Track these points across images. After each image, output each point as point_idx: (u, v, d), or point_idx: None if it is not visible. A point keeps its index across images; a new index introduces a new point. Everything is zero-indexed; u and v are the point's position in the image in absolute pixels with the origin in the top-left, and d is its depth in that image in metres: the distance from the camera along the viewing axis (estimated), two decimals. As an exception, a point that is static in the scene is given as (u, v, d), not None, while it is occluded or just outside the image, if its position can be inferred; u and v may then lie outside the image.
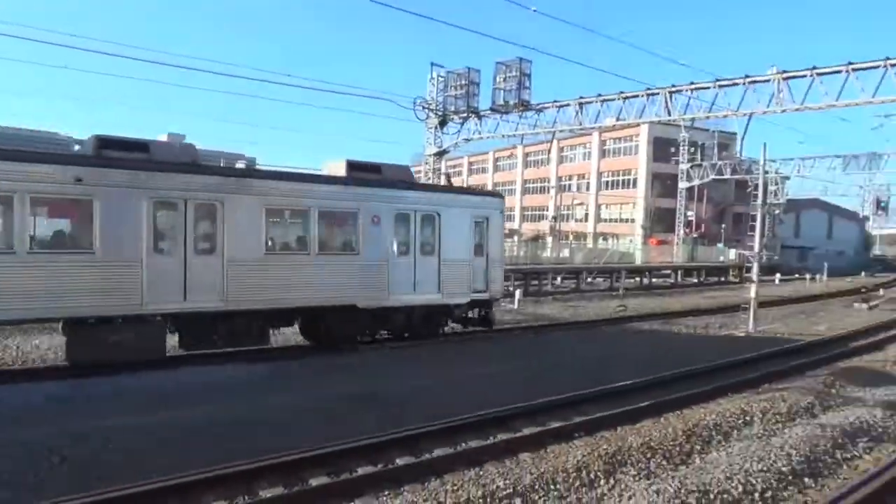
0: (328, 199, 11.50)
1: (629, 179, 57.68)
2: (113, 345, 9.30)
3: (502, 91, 25.72)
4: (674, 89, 23.60)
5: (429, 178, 29.07)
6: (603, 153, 60.88)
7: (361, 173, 12.33)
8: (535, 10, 11.57)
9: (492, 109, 26.64)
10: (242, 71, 63.14)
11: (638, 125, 42.63)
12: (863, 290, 35.67)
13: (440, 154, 29.27)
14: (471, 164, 75.82)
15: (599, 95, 25.65)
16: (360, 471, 6.55)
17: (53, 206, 9.03)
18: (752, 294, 17.92)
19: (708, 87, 22.82)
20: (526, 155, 68.04)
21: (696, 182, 45.71)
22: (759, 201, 18.52)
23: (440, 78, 27.05)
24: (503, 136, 28.00)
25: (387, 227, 12.21)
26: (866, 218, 69.29)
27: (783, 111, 21.13)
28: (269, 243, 10.85)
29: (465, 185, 20.07)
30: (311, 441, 6.94)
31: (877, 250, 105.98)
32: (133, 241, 9.42)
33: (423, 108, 27.08)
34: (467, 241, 13.36)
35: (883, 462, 7.24)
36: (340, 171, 12.27)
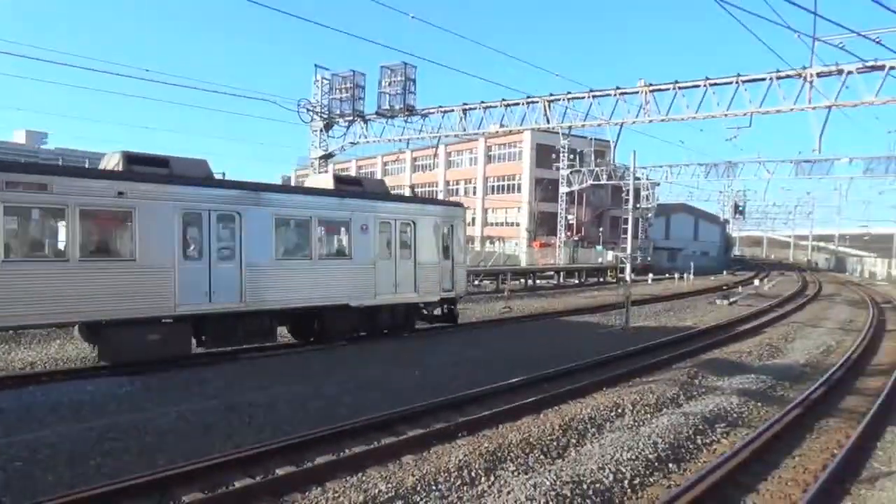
0: (326, 209, 13.47)
1: (514, 184, 60.16)
2: (148, 345, 10.71)
3: (388, 95, 26.16)
4: (552, 98, 25.07)
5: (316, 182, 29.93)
6: (489, 158, 62.99)
7: (347, 186, 14.45)
8: (413, 17, 11.71)
9: (377, 113, 27.02)
10: (99, 65, 57.18)
11: (521, 132, 44.75)
12: (724, 287, 40.28)
13: (326, 157, 28.95)
14: (359, 167, 75.37)
15: (482, 102, 26.63)
16: (238, 484, 6.59)
17: (100, 218, 10.41)
18: (627, 293, 19.50)
19: (583, 97, 24.47)
20: (414, 159, 68.76)
21: (575, 187, 48.81)
22: (631, 205, 20.39)
23: (325, 80, 27.10)
24: (389, 140, 28.49)
25: (373, 234, 14.26)
26: (726, 221, 78.48)
27: (650, 121, 23.20)
28: (279, 250, 12.55)
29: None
30: (186, 455, 7.08)
31: (736, 251, 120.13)
32: (167, 249, 10.93)
33: (308, 110, 27.03)
34: (437, 246, 15.59)
35: (737, 445, 8.08)
36: (328, 184, 14.39)
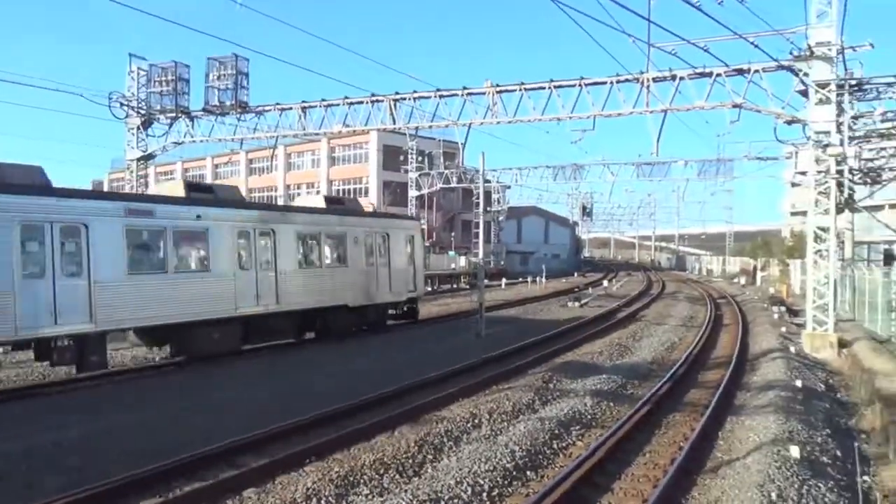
0: (330, 225, 18.61)
1: (361, 188, 60.05)
2: (214, 341, 15.04)
3: (217, 90, 25.35)
4: (397, 97, 25.43)
5: (133, 188, 27.64)
6: (332, 160, 62.28)
7: (336, 205, 20.11)
8: (240, 5, 11.48)
9: (205, 110, 26.18)
10: None
11: (366, 132, 44.66)
12: (575, 289, 44.05)
13: (146, 158, 26.83)
14: (185, 169, 70.64)
15: (324, 100, 26.33)
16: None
17: (185, 237, 14.76)
18: (480, 299, 20.41)
19: (429, 97, 25.09)
20: (249, 161, 66.15)
21: (425, 191, 49.99)
22: (482, 209, 21.32)
23: (141, 72, 25.98)
24: (220, 139, 27.59)
25: (361, 245, 19.39)
26: (576, 223, 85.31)
27: (498, 122, 24.39)
28: (300, 259, 17.38)
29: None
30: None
31: (586, 252, 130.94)
32: (229, 261, 15.40)
33: (122, 104, 25.76)
34: (405, 253, 21.18)
35: (591, 446, 8.73)
36: (319, 203, 19.71)
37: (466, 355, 16.08)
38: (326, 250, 18.65)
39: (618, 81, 21.98)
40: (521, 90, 23.72)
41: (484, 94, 24.38)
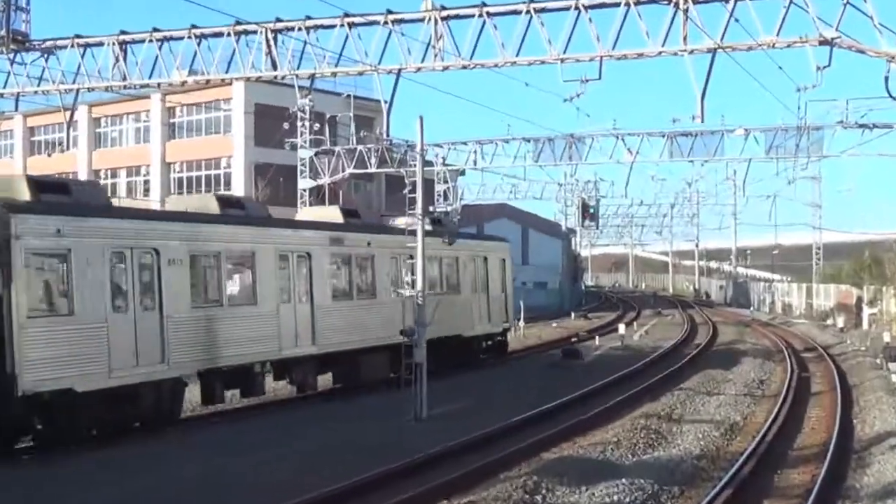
0: (444, 249, 29.17)
1: (218, 175, 59.53)
2: (373, 370, 27.07)
3: None
4: (279, 26, 25.63)
5: None
6: (171, 130, 61.50)
7: (438, 225, 30.16)
8: None
9: None
10: None
11: (228, 83, 43.59)
12: (573, 339, 44.96)
13: None
14: None
15: (155, 31, 26.75)
16: None
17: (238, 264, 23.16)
18: (419, 360, 20.41)
19: (333, 25, 25.42)
20: (30, 130, 66.57)
21: (325, 179, 49.64)
22: (419, 208, 20.90)
23: None
24: None
25: (469, 269, 32.37)
26: (571, 231, 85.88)
27: (445, 68, 24.37)
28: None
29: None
30: None
31: (589, 279, 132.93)
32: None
33: None
34: (499, 279, 33.88)
35: None
36: (427, 226, 24.86)
37: (395, 450, 16.23)
38: (446, 274, 31.20)
39: (637, 2, 21.94)
40: (481, 15, 23.64)
41: (422, 20, 24.52)
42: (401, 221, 27.36)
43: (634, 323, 56.73)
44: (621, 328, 45.76)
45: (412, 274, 22.22)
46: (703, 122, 23.81)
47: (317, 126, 50.55)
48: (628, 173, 57.34)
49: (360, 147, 50.70)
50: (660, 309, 74.35)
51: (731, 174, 75.99)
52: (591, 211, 70.03)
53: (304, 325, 23.72)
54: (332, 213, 28.65)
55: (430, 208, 40.40)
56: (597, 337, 45.44)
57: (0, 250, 16.38)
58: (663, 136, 47.04)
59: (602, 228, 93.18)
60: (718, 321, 59.66)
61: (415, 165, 24.81)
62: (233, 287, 22.73)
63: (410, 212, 21.99)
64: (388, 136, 47.75)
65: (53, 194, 18.26)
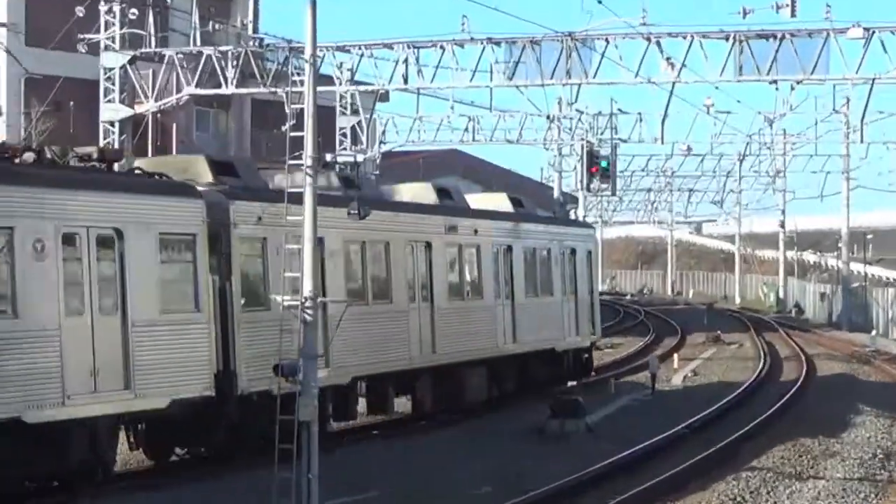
0: (538, 238, 42.92)
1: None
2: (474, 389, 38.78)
3: None
4: None
5: None
6: None
7: (521, 208, 43.91)
8: None
9: None
10: None
11: None
12: (570, 384, 45.02)
13: None
14: None
15: None
16: None
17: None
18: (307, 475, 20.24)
19: None
20: None
21: (150, 104, 49.27)
22: (307, 159, 20.84)
23: None
24: None
25: (560, 264, 43.59)
26: (570, 199, 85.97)
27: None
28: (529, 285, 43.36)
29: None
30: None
31: (600, 280, 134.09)
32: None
33: None
34: (586, 276, 45.37)
35: None
36: (504, 204, 43.28)
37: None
38: (540, 273, 40.76)
39: None
40: None
41: None
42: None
43: (675, 356, 57.28)
44: (653, 364, 45.75)
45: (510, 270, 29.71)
46: (794, 15, 23.85)
47: (133, 13, 49.82)
48: (667, 102, 56.65)
49: (208, 51, 50.13)
50: (718, 332, 74.56)
51: (842, 105, 76.61)
52: (604, 165, 70.46)
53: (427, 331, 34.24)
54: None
55: (329, 156, 39.85)
56: (611, 381, 45.42)
57: (219, 239, 24.43)
58: (726, 39, 47.05)
59: (622, 195, 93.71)
60: (817, 354, 60.43)
61: (301, 84, 24.64)
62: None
63: (294, 162, 21.79)
64: (256, 31, 47.06)
65: (227, 176, 26.55)
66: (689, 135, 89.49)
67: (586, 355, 46.34)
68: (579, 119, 74.67)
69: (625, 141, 76.60)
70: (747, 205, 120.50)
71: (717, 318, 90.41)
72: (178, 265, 25.82)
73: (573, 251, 43.96)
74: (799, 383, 46.56)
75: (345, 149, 54.97)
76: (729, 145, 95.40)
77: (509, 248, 39.36)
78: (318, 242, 23.48)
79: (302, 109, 21.54)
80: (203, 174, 25.72)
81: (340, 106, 56.17)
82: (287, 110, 32.47)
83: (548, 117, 74.20)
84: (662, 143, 76.89)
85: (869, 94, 52.84)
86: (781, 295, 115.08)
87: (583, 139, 71.07)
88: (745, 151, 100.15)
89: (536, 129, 75.44)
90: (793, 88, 57.32)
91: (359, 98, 57.10)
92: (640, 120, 75.39)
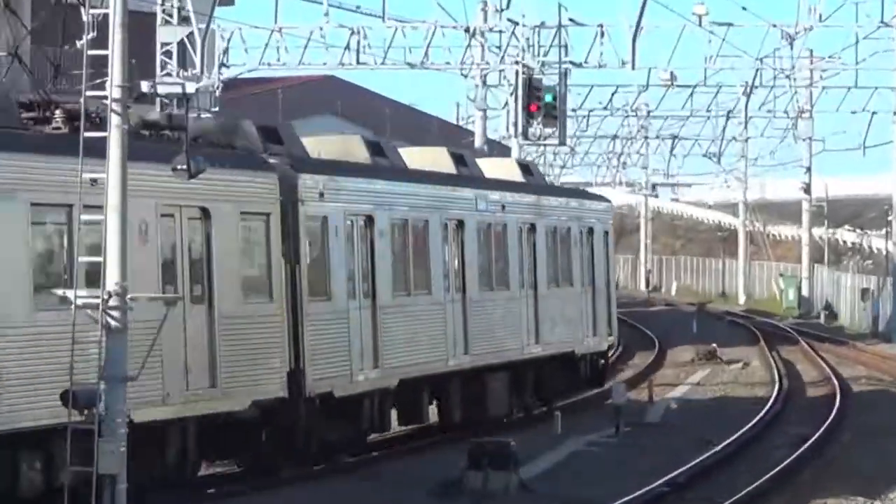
0: (558, 215, 53.21)
1: None
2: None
3: None
4: None
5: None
6: None
7: (531, 176, 54.23)
8: None
9: None
10: None
11: None
12: (501, 419, 45.40)
13: None
14: None
15: None
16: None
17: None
18: None
19: None
20: None
21: None
22: (112, 87, 20.74)
23: None
24: None
25: (579, 247, 54.02)
26: (498, 149, 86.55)
27: None
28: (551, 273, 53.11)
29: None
30: None
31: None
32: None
33: None
34: (603, 264, 56.52)
35: None
36: (515, 173, 52.49)
37: None
38: (561, 258, 47.79)
39: None
40: None
41: None
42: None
43: (650, 380, 57.91)
44: (618, 393, 45.95)
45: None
46: None
47: None
48: (640, 8, 57.85)
49: None
50: (714, 345, 75.40)
51: (893, 16, 77.61)
52: (548, 100, 72.45)
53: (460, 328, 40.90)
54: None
55: (147, 85, 39.30)
56: (557, 414, 45.85)
57: (286, 218, 30.75)
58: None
59: (575, 144, 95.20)
60: (856, 378, 61.17)
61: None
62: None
63: (94, 93, 21.81)
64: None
65: (274, 143, 32.70)
66: (673, 58, 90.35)
67: (602, 361, 54.05)
68: (513, 33, 74.76)
69: (579, 65, 77.24)
70: (756, 160, 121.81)
71: (713, 325, 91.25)
72: (254, 249, 31.31)
73: (591, 230, 51.80)
74: (829, 421, 46.77)
75: (169, 74, 55.20)
76: (730, 73, 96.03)
77: (532, 228, 45.71)
78: (368, 222, 31.20)
79: (105, 15, 21.57)
80: (253, 140, 30.99)
81: (164, 11, 56.28)
82: (84, 16, 32.17)
83: (466, 30, 74.28)
84: (634, 68, 78.86)
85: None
86: (805, 292, 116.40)
87: (518, 62, 71.68)
88: (753, 82, 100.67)
89: (450, 48, 75.69)
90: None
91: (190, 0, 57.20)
92: (602, 35, 76.01)
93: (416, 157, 44.29)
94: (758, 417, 46.85)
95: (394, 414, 39.23)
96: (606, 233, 52.70)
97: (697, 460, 36.88)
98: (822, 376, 61.81)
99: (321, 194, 30.33)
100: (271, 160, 31.10)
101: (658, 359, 71.70)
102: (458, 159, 44.92)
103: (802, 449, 39.70)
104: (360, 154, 36.80)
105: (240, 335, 29.89)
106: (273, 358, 30.73)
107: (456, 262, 41.78)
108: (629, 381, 51.47)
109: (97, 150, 22.65)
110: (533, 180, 48.58)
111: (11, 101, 29.97)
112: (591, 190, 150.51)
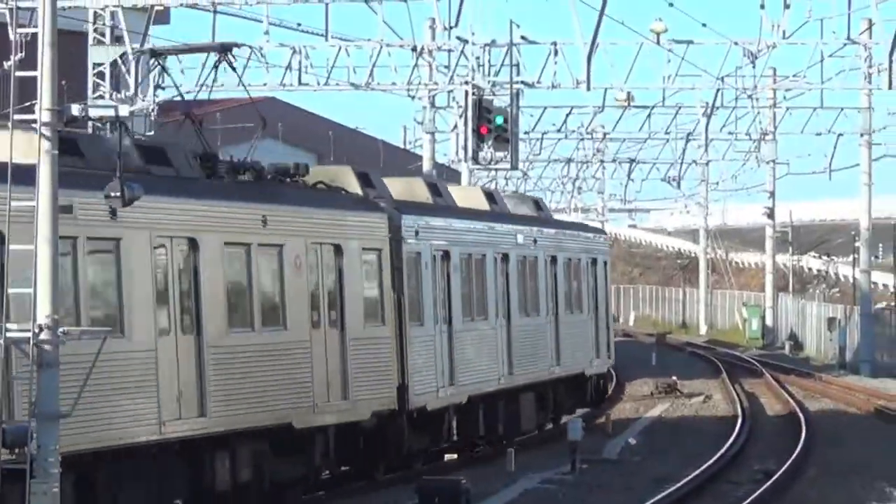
0: (560, 246, 64.25)
1: None
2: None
3: None
4: None
5: None
6: None
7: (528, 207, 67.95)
8: None
9: None
10: None
11: None
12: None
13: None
14: None
15: None
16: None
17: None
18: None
19: None
20: None
21: None
22: (42, 111, 20.85)
23: None
24: None
25: (574, 276, 66.79)
26: (448, 173, 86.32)
27: None
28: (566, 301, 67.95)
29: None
30: None
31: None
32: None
33: None
34: (604, 291, 70.62)
35: None
36: (479, 201, 56.34)
37: None
38: (573, 286, 59.57)
39: None
40: None
41: None
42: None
43: (608, 414, 58.59)
44: (574, 429, 45.98)
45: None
46: None
47: None
48: (596, 24, 57.89)
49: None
50: (674, 378, 75.93)
51: (861, 32, 78.04)
52: (499, 122, 72.12)
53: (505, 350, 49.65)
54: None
55: (78, 108, 39.33)
56: (510, 450, 45.87)
57: (392, 253, 38.74)
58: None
59: (527, 168, 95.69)
60: (822, 411, 61.96)
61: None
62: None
63: (22, 116, 21.84)
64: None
65: (369, 187, 40.26)
66: (630, 77, 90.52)
67: (603, 381, 63.00)
68: (462, 52, 74.90)
69: (531, 86, 77.35)
70: (718, 184, 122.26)
71: (673, 356, 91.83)
72: (370, 279, 39.15)
73: (594, 261, 61.40)
74: (794, 456, 46.97)
75: (102, 96, 55.01)
76: (690, 93, 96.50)
77: (554, 259, 52.91)
78: (444, 256, 39.05)
79: (34, 35, 21.63)
80: (351, 184, 38.95)
81: (96, 31, 56.27)
82: (11, 35, 32.17)
83: (414, 49, 74.43)
84: (589, 88, 78.21)
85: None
86: (769, 321, 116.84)
87: (467, 82, 71.83)
88: (714, 103, 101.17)
89: (397, 68, 75.69)
90: (787, 6, 58.31)
91: (123, 18, 57.19)
92: (556, 53, 76.13)
93: (458, 197, 50.40)
94: (720, 453, 47.11)
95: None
96: (606, 262, 63.92)
97: (656, 499, 37.05)
98: (787, 410, 62.35)
99: (416, 233, 39.13)
100: (381, 203, 39.07)
101: (616, 392, 72.97)
102: (490, 198, 52.49)
103: (766, 486, 39.92)
104: (423, 194, 45.10)
105: (363, 354, 37.56)
106: (388, 374, 38.72)
107: (501, 291, 49.28)
108: (586, 416, 51.50)
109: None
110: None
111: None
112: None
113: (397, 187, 45.30)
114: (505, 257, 49.55)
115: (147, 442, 29.69)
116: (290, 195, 36.08)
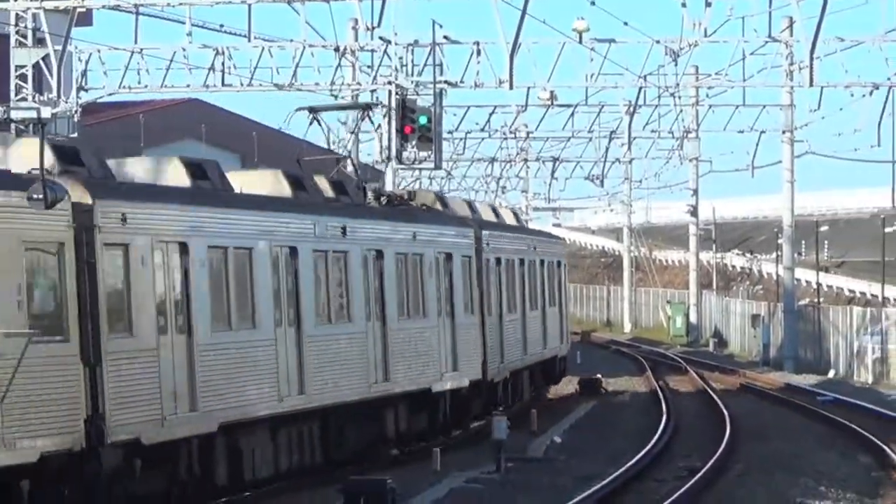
0: (528, 249, 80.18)
1: None
2: None
3: None
4: None
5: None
6: None
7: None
8: None
9: None
10: None
11: None
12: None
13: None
14: None
15: None
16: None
17: None
18: None
19: None
20: None
21: None
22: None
23: None
24: None
25: (538, 276, 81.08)
26: (371, 173, 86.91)
27: None
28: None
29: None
30: None
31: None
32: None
33: None
34: (557, 289, 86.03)
35: None
36: (465, 208, 67.26)
37: None
38: (549, 285, 78.55)
39: None
40: None
41: None
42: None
43: (533, 412, 57.73)
44: (499, 428, 45.98)
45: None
46: None
47: None
48: (518, 23, 57.96)
49: None
50: (599, 375, 76.75)
51: (782, 30, 78.35)
52: (422, 122, 72.28)
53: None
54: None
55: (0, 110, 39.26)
56: (436, 450, 45.87)
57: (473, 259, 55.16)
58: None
59: (451, 167, 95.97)
60: (745, 407, 62.74)
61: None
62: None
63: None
64: None
65: (443, 206, 56.29)
66: (553, 76, 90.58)
67: (563, 363, 76.11)
68: (385, 52, 74.96)
69: (454, 85, 77.29)
70: (641, 182, 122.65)
71: (597, 354, 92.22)
72: (465, 280, 51.53)
73: (559, 263, 77.20)
74: (719, 453, 47.19)
75: (24, 98, 55.04)
76: (613, 91, 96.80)
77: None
78: (497, 262, 48.15)
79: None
80: (433, 204, 48.67)
81: (17, 33, 56.11)
82: None
83: (336, 49, 74.49)
84: (511, 87, 78.55)
85: (822, 11, 54.53)
86: (693, 319, 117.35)
87: (390, 82, 71.79)
88: (637, 101, 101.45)
89: (320, 69, 75.59)
90: (709, 4, 58.51)
91: (45, 19, 57.10)
92: (478, 53, 76.21)
93: (457, 206, 59.18)
94: (644, 451, 47.25)
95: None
96: (564, 264, 73.95)
97: (581, 497, 37.15)
98: (712, 406, 62.54)
99: (488, 243, 51.95)
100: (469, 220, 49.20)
101: (540, 390, 72.45)
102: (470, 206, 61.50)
103: (692, 482, 39.97)
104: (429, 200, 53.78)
105: (464, 336, 50.64)
106: (475, 354, 52.59)
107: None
108: (511, 415, 51.55)
109: None
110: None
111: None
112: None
113: (425, 197, 56.06)
114: (522, 262, 64.50)
115: (270, 414, 36.41)
116: (422, 217, 49.11)
